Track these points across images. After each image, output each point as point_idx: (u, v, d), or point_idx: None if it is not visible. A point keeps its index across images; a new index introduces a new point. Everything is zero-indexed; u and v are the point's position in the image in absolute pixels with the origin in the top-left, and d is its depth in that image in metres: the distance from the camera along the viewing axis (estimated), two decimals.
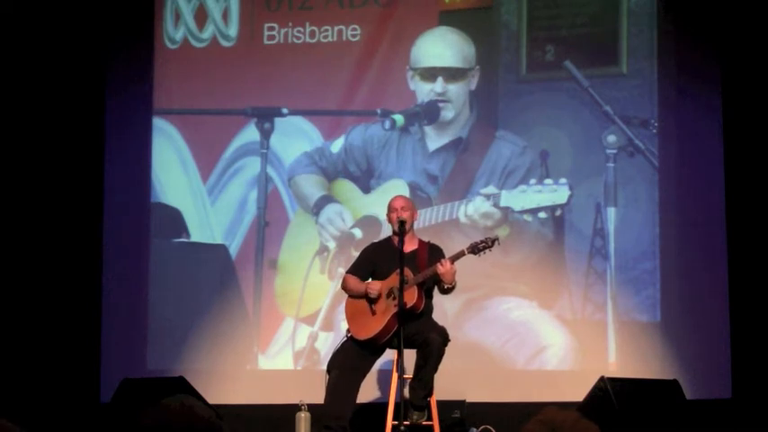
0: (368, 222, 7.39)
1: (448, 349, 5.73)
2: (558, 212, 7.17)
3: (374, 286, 5.84)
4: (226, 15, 7.74)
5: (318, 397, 5.93)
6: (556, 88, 7.30)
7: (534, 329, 7.15)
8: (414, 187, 7.34)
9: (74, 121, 7.59)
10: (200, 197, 7.64)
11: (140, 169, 7.66)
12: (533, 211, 7.17)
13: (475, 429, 6.53)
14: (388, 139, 7.46)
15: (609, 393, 5.77)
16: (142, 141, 7.68)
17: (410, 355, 5.78)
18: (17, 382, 7.27)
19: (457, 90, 7.40)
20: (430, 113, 7.41)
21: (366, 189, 7.45)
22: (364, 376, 5.91)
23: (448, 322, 6.41)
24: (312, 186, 7.52)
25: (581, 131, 7.23)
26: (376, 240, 6.45)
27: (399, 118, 7.43)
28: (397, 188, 7.21)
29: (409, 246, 5.92)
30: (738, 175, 7.00)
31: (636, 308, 7.07)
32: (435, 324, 5.84)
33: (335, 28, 7.61)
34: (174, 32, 7.78)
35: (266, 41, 7.69)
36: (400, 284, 5.60)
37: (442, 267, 5.67)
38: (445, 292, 5.84)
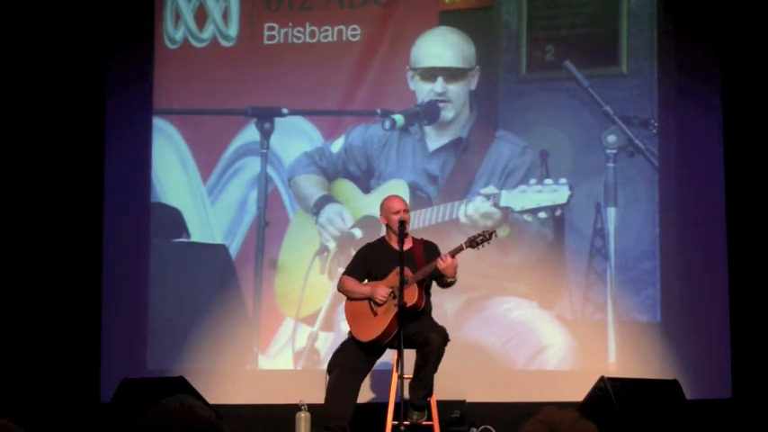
0: (368, 222, 7.39)
1: (448, 349, 5.73)
2: (558, 212, 7.17)
3: (382, 291, 5.81)
4: (226, 15, 7.75)
5: (318, 397, 5.93)
6: (556, 88, 7.30)
7: (534, 329, 7.15)
8: (414, 187, 7.34)
9: (74, 121, 7.59)
10: (200, 197, 7.64)
11: (140, 169, 7.66)
12: (533, 211, 7.17)
13: (475, 429, 6.53)
14: (388, 139, 7.46)
15: (609, 393, 5.77)
16: (142, 141, 7.69)
17: (410, 355, 5.78)
18: (17, 382, 7.27)
19: (457, 90, 7.40)
20: (430, 113, 7.41)
21: (366, 189, 7.45)
22: (364, 376, 5.91)
23: (448, 322, 6.42)
24: (312, 186, 7.52)
25: (581, 131, 7.23)
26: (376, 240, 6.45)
27: (399, 118, 7.43)
28: (397, 188, 7.20)
29: (405, 244, 5.91)
30: (738, 175, 7.00)
31: (636, 308, 7.07)
32: (435, 324, 5.84)
33: (335, 28, 7.62)
34: (174, 32, 7.78)
35: (266, 41, 7.69)
36: (400, 285, 5.60)
37: (443, 262, 5.67)
38: (446, 285, 5.84)
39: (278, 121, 7.59)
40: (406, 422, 5.65)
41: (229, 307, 7.47)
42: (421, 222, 7.17)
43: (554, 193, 7.14)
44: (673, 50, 7.18)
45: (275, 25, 7.69)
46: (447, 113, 7.41)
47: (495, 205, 7.22)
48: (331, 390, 5.79)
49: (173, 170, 7.68)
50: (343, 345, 5.92)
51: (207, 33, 7.75)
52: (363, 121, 7.52)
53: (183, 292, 7.55)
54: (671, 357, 6.90)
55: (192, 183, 7.66)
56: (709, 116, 7.09)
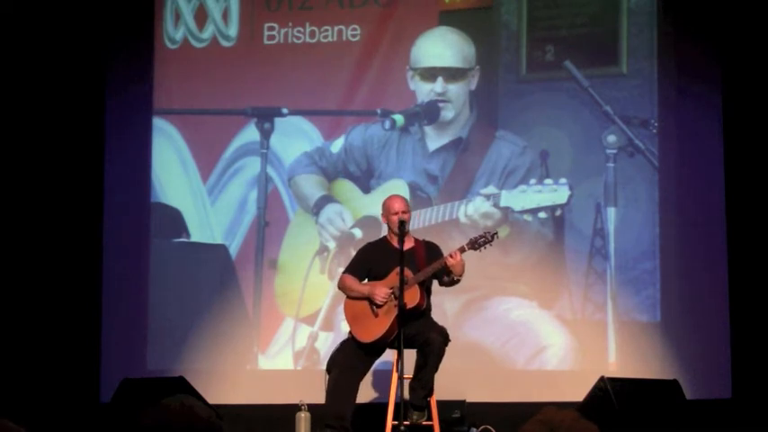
0: (368, 222, 7.39)
1: (448, 349, 5.73)
2: (558, 212, 7.17)
3: (381, 292, 5.81)
4: (226, 15, 7.75)
5: (318, 397, 5.93)
6: (556, 88, 7.30)
7: (534, 329, 7.15)
8: (414, 187, 7.34)
9: (74, 121, 7.59)
10: (200, 197, 7.64)
11: (140, 169, 7.66)
12: (533, 211, 7.17)
13: (475, 429, 6.53)
14: (388, 139, 7.46)
15: (609, 393, 5.77)
16: (142, 141, 7.69)
17: (410, 355, 5.78)
18: (18, 382, 7.27)
19: (457, 90, 7.40)
20: (430, 113, 7.41)
21: (366, 189, 7.45)
22: (364, 376, 5.91)
23: (448, 322, 6.41)
24: (312, 186, 7.52)
25: (581, 131, 7.23)
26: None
27: (399, 118, 7.43)
28: (397, 188, 7.20)
29: (406, 244, 5.91)
30: (738, 175, 7.00)
31: (636, 308, 7.07)
32: (435, 324, 5.84)
33: (335, 28, 7.62)
34: (174, 32, 7.78)
35: (266, 41, 7.69)
36: (400, 285, 5.59)
37: (452, 259, 5.66)
38: (450, 284, 5.82)
39: (278, 121, 7.59)
40: (406, 422, 5.64)
41: (229, 307, 7.47)
42: (421, 222, 7.17)
43: (554, 193, 7.13)
44: (673, 50, 7.18)
45: (275, 25, 7.69)
46: (447, 113, 7.41)
47: (495, 205, 7.22)
48: (331, 389, 5.79)
49: (173, 170, 7.68)
50: (343, 344, 5.92)
51: (207, 33, 7.75)
52: (363, 121, 7.52)
53: (183, 292, 7.55)
54: (671, 357, 6.90)
55: (192, 183, 7.66)
56: (709, 116, 7.09)
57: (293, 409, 6.60)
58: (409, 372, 5.85)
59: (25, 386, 7.26)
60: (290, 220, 7.55)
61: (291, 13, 7.68)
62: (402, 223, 5.82)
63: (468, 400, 6.72)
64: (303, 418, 6.56)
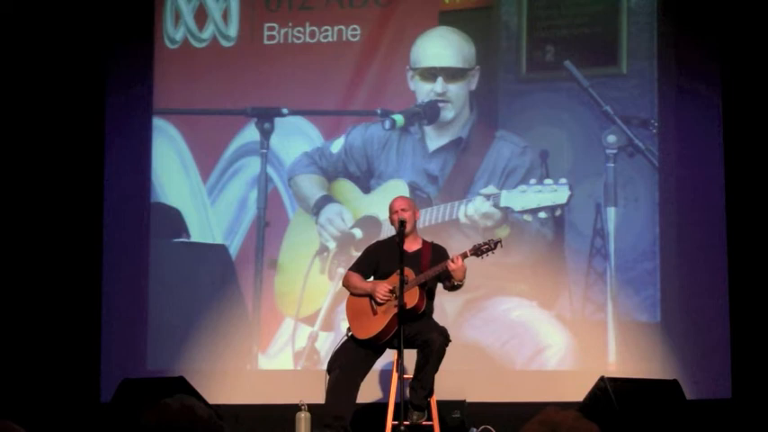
0: (368, 222, 7.39)
1: (448, 349, 5.73)
2: (558, 212, 7.17)
3: (382, 289, 5.81)
4: (226, 15, 7.75)
5: (318, 397, 5.93)
6: (556, 88, 7.31)
7: (534, 329, 7.15)
8: (414, 187, 7.34)
9: (74, 120, 7.59)
10: (200, 197, 7.64)
11: (140, 169, 7.66)
12: (533, 211, 7.17)
13: (475, 429, 6.53)
14: (388, 139, 7.46)
15: (609, 393, 5.77)
16: (142, 141, 7.69)
17: (410, 356, 5.78)
18: (18, 382, 7.27)
19: (457, 90, 7.40)
20: (430, 113, 7.41)
21: (366, 189, 7.45)
22: (364, 376, 5.90)
23: (448, 322, 6.41)
24: (312, 186, 7.52)
25: (581, 131, 7.24)
26: (376, 240, 6.45)
27: (399, 118, 7.43)
28: (397, 188, 7.21)
29: (413, 245, 5.92)
30: (738, 175, 7.00)
31: (636, 308, 7.07)
32: (436, 324, 5.84)
33: (335, 28, 7.62)
34: (174, 32, 7.78)
35: (266, 41, 7.69)
36: (400, 285, 5.60)
37: (454, 264, 5.67)
38: (453, 288, 5.83)
39: (278, 121, 7.59)
40: (406, 422, 5.65)
41: (229, 307, 7.47)
42: (421, 223, 7.16)
43: (554, 193, 7.14)
44: (673, 50, 7.18)
45: (275, 25, 7.69)
46: (447, 113, 7.41)
47: (495, 205, 7.22)
48: (331, 389, 5.79)
49: (173, 170, 7.68)
50: (343, 345, 5.92)
51: (207, 33, 7.75)
52: (363, 121, 7.52)
53: (183, 292, 7.55)
54: (671, 357, 6.90)
55: (192, 183, 7.66)
56: (709, 116, 7.09)
57: (293, 409, 6.60)
58: (409, 372, 5.85)
59: (25, 386, 7.26)
60: (290, 220, 7.55)
61: (291, 13, 7.68)
62: (402, 222, 5.82)
63: (468, 400, 6.71)
64: (303, 418, 6.56)
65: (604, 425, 2.51)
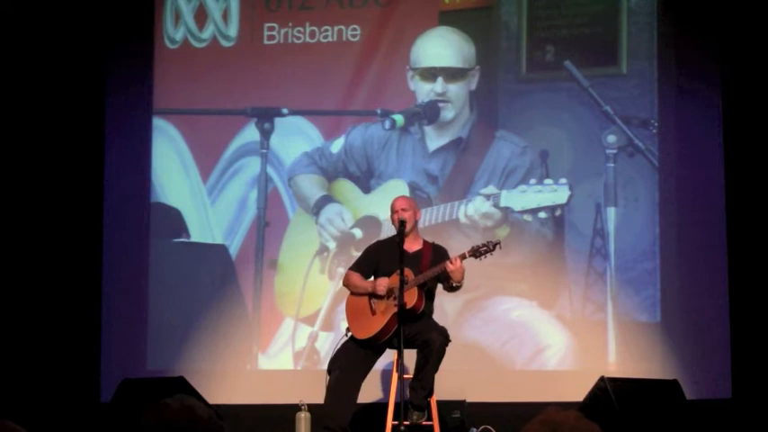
0: (368, 222, 7.39)
1: (448, 349, 5.73)
2: (558, 212, 7.17)
3: (381, 283, 5.82)
4: (226, 15, 7.74)
5: (318, 397, 5.93)
6: (556, 88, 7.30)
7: (534, 329, 7.15)
8: (414, 187, 7.34)
9: (74, 120, 7.59)
10: (200, 197, 7.64)
11: (140, 169, 7.66)
12: (533, 211, 7.17)
13: (475, 429, 6.53)
14: (388, 139, 7.46)
15: (609, 393, 5.77)
16: (142, 141, 7.69)
17: (410, 356, 5.78)
18: (18, 381, 7.27)
19: (457, 90, 7.40)
20: (430, 113, 7.41)
21: (366, 189, 7.45)
22: (365, 377, 5.90)
23: (448, 322, 6.41)
24: (312, 186, 7.52)
25: (581, 131, 7.23)
26: (376, 240, 6.46)
27: (399, 118, 7.43)
28: (397, 188, 7.21)
29: (414, 246, 5.93)
30: (738, 175, 6.99)
31: (636, 308, 7.07)
32: (436, 324, 5.84)
33: (335, 28, 7.61)
34: (174, 32, 7.78)
35: (266, 41, 7.69)
36: (400, 284, 5.60)
37: (452, 265, 5.67)
38: (452, 290, 5.83)
39: (278, 121, 7.59)
40: (406, 422, 5.65)
41: (229, 307, 7.47)
42: (421, 222, 7.16)
43: (554, 193, 7.13)
44: (673, 50, 7.18)
45: (275, 25, 7.69)
46: (447, 113, 7.41)
47: (495, 205, 7.22)
48: (331, 390, 5.79)
49: (173, 170, 7.68)
50: (344, 345, 5.92)
51: (207, 33, 7.75)
52: (363, 121, 7.52)
53: (182, 292, 7.55)
54: (671, 357, 6.90)
55: (192, 183, 7.66)
56: (709, 116, 7.09)
57: (293, 409, 6.60)
58: (409, 372, 5.85)
59: (26, 386, 7.26)
60: (290, 220, 7.55)
61: (291, 13, 7.68)
62: (402, 222, 5.82)
63: (468, 400, 6.71)
64: (303, 418, 6.56)
65: (604, 425, 2.51)
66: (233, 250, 7.56)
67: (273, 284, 7.50)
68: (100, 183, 7.62)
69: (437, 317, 5.98)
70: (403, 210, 5.90)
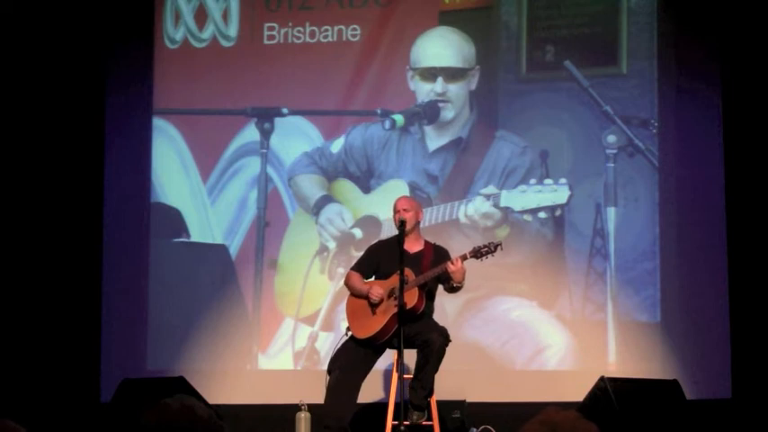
0: (368, 222, 7.39)
1: (448, 349, 5.73)
2: (558, 212, 7.17)
3: (377, 291, 5.82)
4: (226, 15, 7.74)
5: (318, 397, 5.93)
6: (556, 88, 7.30)
7: (534, 329, 7.15)
8: (414, 187, 7.34)
9: (74, 120, 7.59)
10: (200, 197, 7.64)
11: (140, 169, 7.66)
12: (533, 211, 7.17)
13: (475, 429, 6.53)
14: (388, 139, 7.46)
15: (609, 393, 5.77)
16: (142, 141, 7.69)
17: (410, 355, 5.78)
18: (18, 381, 7.27)
19: (457, 90, 7.40)
20: (430, 113, 7.41)
21: (366, 189, 7.45)
22: (365, 377, 5.90)
23: (448, 322, 6.41)
24: (312, 186, 7.52)
25: (581, 131, 7.23)
26: (376, 240, 6.46)
27: (399, 118, 7.43)
28: (397, 188, 7.21)
29: (415, 246, 5.93)
30: (738, 175, 6.99)
31: (636, 308, 7.07)
32: (436, 324, 5.84)
33: (335, 28, 7.61)
34: (174, 32, 7.78)
35: (266, 41, 7.69)
36: (400, 284, 5.60)
37: (453, 266, 5.67)
38: (453, 290, 5.84)
39: (278, 121, 7.59)
40: (406, 422, 5.65)
41: (229, 307, 7.47)
42: (421, 222, 7.18)
43: (554, 193, 7.13)
44: (673, 50, 7.18)
45: (275, 25, 7.69)
46: (447, 113, 7.41)
47: (495, 205, 7.22)
48: (331, 390, 5.79)
49: (173, 170, 7.68)
50: (344, 345, 5.92)
51: (207, 33, 7.75)
52: (363, 121, 7.52)
53: (182, 292, 7.55)
54: (671, 357, 6.90)
55: (192, 183, 7.66)
56: (708, 116, 7.09)
57: (293, 409, 6.60)
58: (410, 372, 5.85)
59: (26, 386, 7.26)
60: (290, 220, 7.55)
61: (291, 13, 7.68)
62: (402, 222, 5.83)
63: (468, 400, 6.72)
64: (303, 418, 6.56)
65: (604, 425, 2.52)
66: (233, 250, 7.56)
67: (273, 284, 7.50)
68: (100, 183, 7.62)
69: (437, 317, 5.99)
70: (404, 210, 5.91)
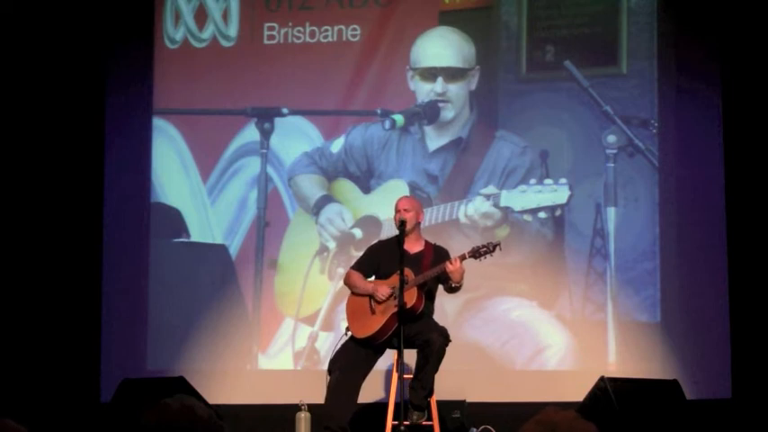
0: (368, 222, 7.39)
1: (448, 349, 5.73)
2: (558, 212, 7.17)
3: (384, 290, 5.82)
4: (226, 15, 7.74)
5: (318, 397, 5.93)
6: (556, 88, 7.30)
7: (534, 329, 7.15)
8: (414, 187, 7.34)
9: (74, 120, 7.59)
10: (200, 197, 7.64)
11: (140, 169, 7.66)
12: (533, 211, 7.17)
13: (475, 429, 6.53)
14: (388, 139, 7.46)
15: (609, 393, 5.77)
16: (142, 141, 7.69)
17: (410, 355, 5.78)
18: (18, 381, 7.27)
19: (457, 90, 7.40)
20: (430, 113, 7.41)
21: (366, 189, 7.45)
22: (365, 377, 5.90)
23: (448, 322, 6.41)
24: (312, 186, 7.52)
25: (581, 131, 7.23)
26: (376, 240, 6.46)
27: (399, 118, 7.43)
28: (397, 188, 7.21)
29: (415, 246, 5.93)
30: (738, 175, 6.99)
31: (636, 308, 7.07)
32: (436, 324, 5.84)
33: (335, 28, 7.61)
34: (174, 32, 7.78)
35: (266, 41, 7.69)
36: (400, 284, 5.61)
37: (452, 266, 5.68)
38: (452, 290, 5.84)
39: (278, 121, 7.59)
40: (406, 422, 5.65)
41: (229, 307, 7.47)
42: (422, 223, 7.18)
43: (554, 193, 7.13)
44: (673, 50, 7.18)
45: (275, 25, 7.69)
46: (447, 113, 7.41)
47: (495, 205, 7.22)
48: (331, 390, 5.79)
49: (173, 170, 7.68)
50: (344, 345, 5.92)
51: (207, 33, 7.75)
52: (363, 121, 7.52)
53: (183, 292, 7.55)
54: (671, 357, 6.90)
55: (192, 183, 7.66)
56: (708, 116, 7.09)
57: (293, 409, 6.60)
58: (410, 372, 5.85)
59: (26, 386, 7.26)
60: (290, 220, 7.55)
61: (291, 13, 7.68)
62: (402, 222, 5.83)
63: (468, 400, 6.72)
64: (303, 418, 6.56)
65: (604, 425, 2.52)
66: (233, 250, 7.56)
67: (273, 284, 7.50)
68: (100, 183, 7.62)
69: (437, 317, 5.99)
70: (405, 210, 5.91)
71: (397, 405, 5.67)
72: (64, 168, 7.57)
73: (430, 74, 7.44)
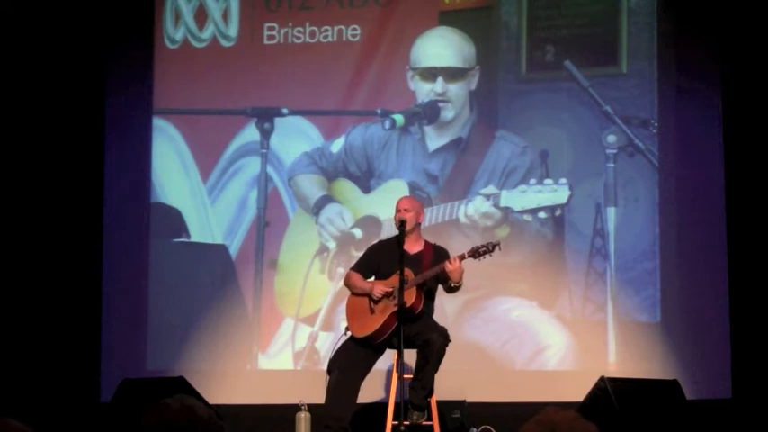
0: (368, 222, 7.39)
1: (448, 349, 5.73)
2: (558, 212, 7.17)
3: (380, 288, 5.82)
4: (226, 15, 7.75)
5: (318, 397, 5.93)
6: (556, 88, 7.30)
7: (534, 329, 7.15)
8: (414, 187, 7.34)
9: (74, 120, 7.59)
10: (200, 197, 7.64)
11: (140, 169, 7.66)
12: (533, 211, 7.17)
13: (475, 429, 6.53)
14: (388, 139, 7.46)
15: (609, 393, 5.77)
16: (142, 141, 7.69)
17: (411, 356, 5.78)
18: (18, 381, 7.27)
19: (457, 90, 7.40)
20: (430, 113, 7.41)
21: (366, 189, 7.45)
22: (365, 376, 5.91)
23: (448, 322, 6.41)
24: (312, 186, 7.52)
25: (581, 131, 7.23)
26: (376, 240, 6.46)
27: (399, 118, 7.43)
28: (397, 188, 7.21)
29: (415, 247, 5.93)
30: (738, 174, 6.99)
31: (636, 308, 7.07)
32: (436, 324, 5.84)
33: (335, 28, 7.62)
34: (174, 32, 7.78)
35: (266, 41, 7.69)
36: (400, 284, 5.61)
37: (451, 265, 5.68)
38: (451, 290, 5.84)
39: (278, 121, 7.59)
40: (406, 422, 5.65)
41: (229, 307, 7.47)
42: (422, 223, 7.18)
43: (554, 193, 7.13)
44: (673, 50, 7.18)
45: (275, 25, 7.69)
46: (447, 113, 7.41)
47: (495, 205, 7.22)
48: (331, 390, 5.79)
49: (173, 170, 7.68)
50: (343, 345, 5.92)
51: (207, 33, 7.75)
52: (363, 121, 7.52)
53: (182, 292, 7.55)
54: (671, 357, 6.90)
55: (192, 183, 7.66)
56: (709, 116, 7.09)
57: (293, 409, 6.60)
58: (410, 372, 5.85)
59: (26, 386, 7.26)
60: (290, 220, 7.55)
61: (291, 13, 7.68)
62: (402, 222, 5.83)
63: (468, 400, 6.72)
64: (303, 418, 6.56)
65: (604, 425, 2.52)
66: (233, 250, 7.56)
67: (273, 284, 7.50)
68: (100, 183, 7.62)
69: (437, 317, 5.99)
70: (405, 210, 5.92)
71: (397, 405, 5.67)
72: (64, 168, 7.57)
73: (430, 74, 7.44)
